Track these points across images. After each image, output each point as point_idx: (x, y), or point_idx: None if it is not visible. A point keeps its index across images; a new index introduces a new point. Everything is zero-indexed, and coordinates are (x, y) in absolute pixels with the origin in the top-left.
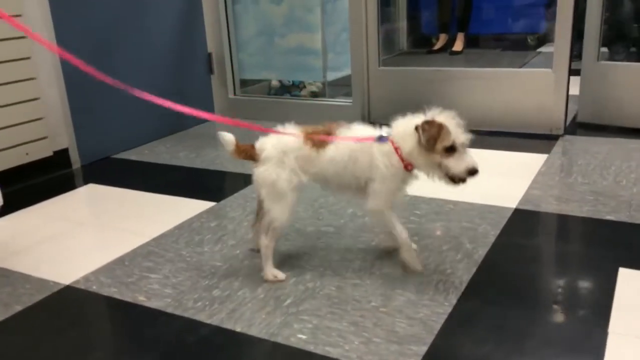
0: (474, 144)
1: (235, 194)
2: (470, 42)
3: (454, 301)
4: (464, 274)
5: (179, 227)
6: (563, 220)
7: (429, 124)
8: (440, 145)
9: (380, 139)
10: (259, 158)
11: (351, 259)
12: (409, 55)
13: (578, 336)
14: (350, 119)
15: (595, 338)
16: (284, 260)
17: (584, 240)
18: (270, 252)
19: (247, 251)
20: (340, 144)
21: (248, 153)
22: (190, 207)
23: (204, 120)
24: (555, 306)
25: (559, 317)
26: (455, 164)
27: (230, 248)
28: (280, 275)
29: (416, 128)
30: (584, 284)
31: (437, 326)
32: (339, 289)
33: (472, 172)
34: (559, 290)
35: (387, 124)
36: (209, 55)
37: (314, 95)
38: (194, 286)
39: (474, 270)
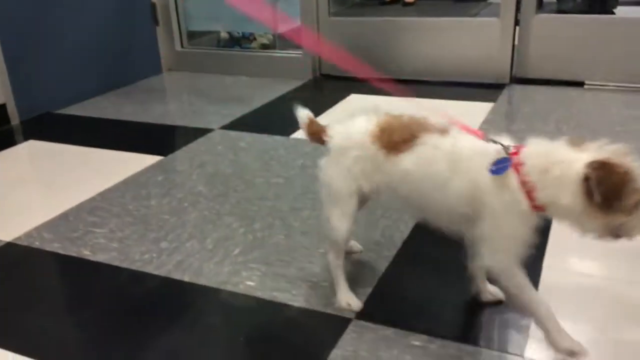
0: (424, 94)
1: (184, 148)
2: None
3: (399, 244)
4: (409, 220)
5: (125, 182)
6: None
7: (605, 170)
8: (627, 203)
9: (498, 168)
10: (327, 146)
11: (300, 208)
12: (362, 7)
13: None
14: (301, 72)
15: (531, 272)
16: (232, 211)
17: None
18: (341, 272)
19: (194, 203)
20: (425, 152)
21: (318, 135)
22: (136, 162)
23: (149, 74)
24: None
25: None
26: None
27: (178, 201)
28: (356, 304)
29: (586, 179)
30: None
31: (382, 268)
32: (287, 238)
33: None
34: None
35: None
36: (153, 5)
37: (265, 47)
38: (140, 239)
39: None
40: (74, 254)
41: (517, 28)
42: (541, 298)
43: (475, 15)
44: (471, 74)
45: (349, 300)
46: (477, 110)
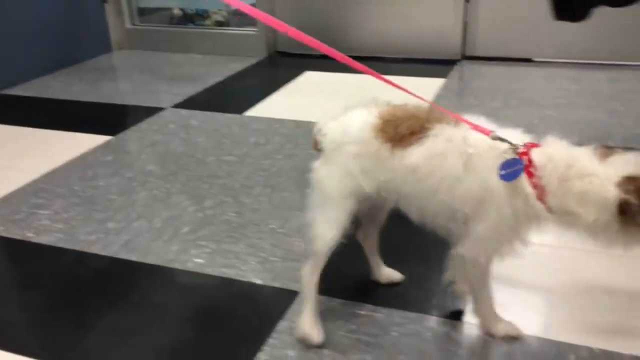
0: (377, 71)
1: (134, 127)
2: None
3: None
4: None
5: (72, 163)
6: None
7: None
8: None
9: (508, 173)
10: (320, 146)
11: (252, 186)
12: None
13: None
14: (255, 49)
15: None
16: (182, 190)
17: None
18: (311, 292)
19: (144, 183)
20: (436, 146)
21: (316, 139)
22: (84, 142)
23: (98, 53)
24: None
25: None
26: None
27: (127, 181)
28: (317, 338)
29: (622, 205)
30: None
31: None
32: (238, 215)
33: None
34: None
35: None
36: None
37: (220, 24)
38: (86, 220)
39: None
40: (17, 237)
41: (467, 5)
42: (491, 291)
43: None
44: (423, 51)
45: (311, 331)
46: (428, 86)
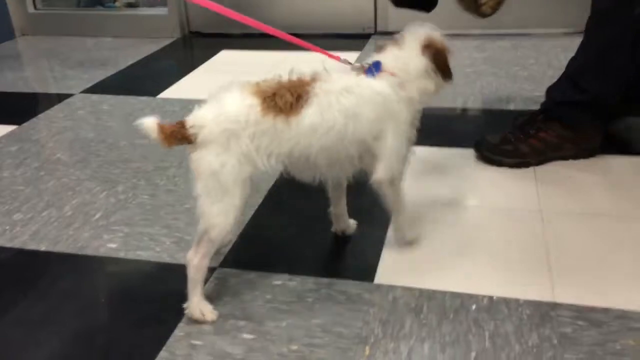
0: (294, 48)
1: (41, 115)
2: None
3: (265, 192)
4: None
5: None
6: None
7: (432, 50)
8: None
9: (371, 70)
10: (194, 139)
11: (166, 167)
12: None
13: (369, 209)
14: (168, 30)
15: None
16: (93, 176)
17: None
18: (202, 276)
19: (52, 171)
20: (326, 103)
21: (179, 135)
22: None
23: (2, 39)
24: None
25: (354, 196)
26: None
27: (34, 170)
28: (210, 315)
29: (434, 69)
30: None
31: (248, 217)
32: (152, 197)
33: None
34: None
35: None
36: None
37: (130, 6)
38: None
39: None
40: None
41: None
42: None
43: None
44: (339, 26)
45: (202, 308)
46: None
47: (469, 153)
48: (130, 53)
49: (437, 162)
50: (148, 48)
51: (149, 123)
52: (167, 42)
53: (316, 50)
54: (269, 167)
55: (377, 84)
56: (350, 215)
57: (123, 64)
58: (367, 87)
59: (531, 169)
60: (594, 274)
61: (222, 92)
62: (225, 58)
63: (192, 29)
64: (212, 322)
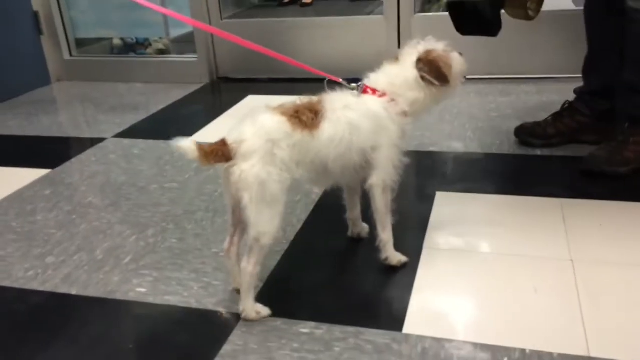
0: (318, 91)
1: (73, 159)
2: None
3: (291, 238)
4: (302, 214)
5: (8, 199)
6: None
7: (424, 63)
8: (449, 72)
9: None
10: (236, 153)
11: (194, 211)
12: (260, 9)
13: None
14: (197, 76)
15: (412, 254)
16: (124, 220)
17: (410, 171)
18: (255, 282)
19: (84, 215)
20: (335, 118)
21: (220, 152)
22: (21, 177)
23: (36, 86)
24: None
25: None
26: (457, 71)
27: (66, 214)
28: (265, 311)
29: (422, 78)
30: (407, 208)
31: (274, 263)
32: (180, 241)
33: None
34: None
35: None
36: (35, 14)
37: (161, 52)
38: (24, 256)
39: (311, 208)
40: None
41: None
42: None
43: (369, 13)
44: (363, 71)
45: (257, 309)
46: None
47: (496, 199)
48: (160, 98)
49: (465, 209)
50: (177, 93)
51: (187, 143)
52: (196, 87)
53: (320, 74)
54: (299, 176)
55: (370, 103)
56: (377, 265)
57: (154, 109)
58: (362, 104)
59: (560, 212)
60: (630, 328)
61: (250, 115)
62: (252, 103)
63: (220, 75)
64: (268, 316)
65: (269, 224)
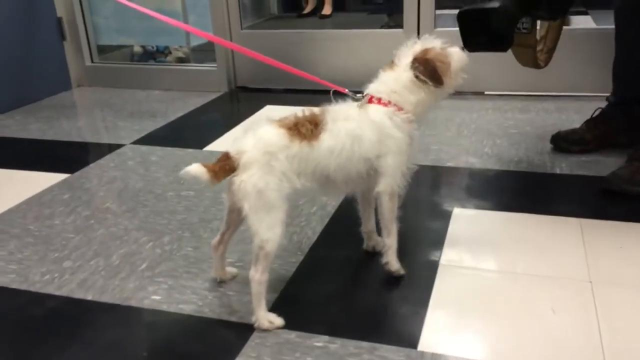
0: (329, 101)
1: (92, 164)
2: (339, 6)
3: (306, 250)
4: (317, 225)
5: (27, 202)
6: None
7: (419, 63)
8: (446, 72)
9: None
10: (237, 164)
11: (209, 220)
12: (279, 20)
13: (413, 269)
14: (215, 85)
15: (428, 270)
16: (140, 226)
17: (427, 186)
18: (264, 290)
19: (101, 220)
20: (335, 129)
21: (226, 166)
22: (40, 181)
23: (57, 91)
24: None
25: (399, 254)
26: (456, 68)
27: (84, 219)
28: (278, 321)
29: (416, 76)
30: (424, 224)
31: (289, 274)
32: (196, 249)
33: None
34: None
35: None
36: (59, 20)
37: (181, 61)
38: (41, 260)
39: (327, 221)
40: None
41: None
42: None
43: (390, 26)
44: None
45: (269, 318)
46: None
47: (514, 217)
48: (179, 106)
49: (482, 226)
50: (196, 101)
51: (196, 168)
52: (214, 95)
53: (326, 84)
54: (301, 185)
55: (372, 113)
56: (392, 279)
57: (172, 116)
58: (364, 115)
59: (579, 231)
60: None
61: (253, 127)
62: (270, 112)
63: (238, 84)
64: (281, 326)
65: (271, 231)
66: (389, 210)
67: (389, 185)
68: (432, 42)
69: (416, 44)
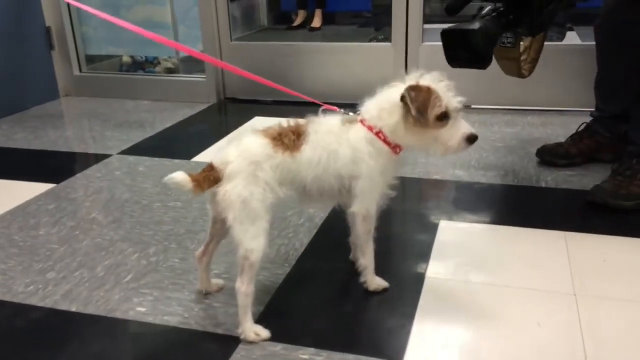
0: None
1: (78, 175)
2: (328, 19)
3: (294, 262)
4: (304, 237)
5: (12, 212)
6: (399, 182)
7: (415, 90)
8: (432, 114)
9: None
10: (222, 175)
11: (197, 231)
12: (269, 32)
13: (400, 282)
14: (204, 96)
15: (414, 282)
16: (126, 237)
17: (414, 198)
18: (251, 302)
19: (87, 231)
20: (315, 141)
21: (210, 177)
22: (25, 191)
23: (45, 100)
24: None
25: (385, 266)
26: (451, 135)
27: (70, 230)
28: (265, 333)
29: (402, 98)
30: (410, 237)
31: (276, 287)
32: (182, 261)
33: (472, 139)
34: (388, 243)
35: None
36: (48, 29)
37: (170, 71)
38: (25, 271)
39: (314, 233)
40: None
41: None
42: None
43: (379, 40)
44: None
45: (256, 330)
46: None
47: (500, 230)
48: (167, 116)
49: (468, 239)
50: (185, 112)
51: (180, 176)
52: (203, 106)
53: (316, 103)
54: (283, 195)
55: (352, 133)
56: (379, 293)
57: (160, 127)
58: (345, 132)
59: (564, 245)
60: None
61: (238, 138)
62: (258, 124)
63: (227, 95)
64: (268, 339)
65: (255, 241)
66: (364, 232)
67: (363, 207)
68: (438, 80)
69: (423, 77)
